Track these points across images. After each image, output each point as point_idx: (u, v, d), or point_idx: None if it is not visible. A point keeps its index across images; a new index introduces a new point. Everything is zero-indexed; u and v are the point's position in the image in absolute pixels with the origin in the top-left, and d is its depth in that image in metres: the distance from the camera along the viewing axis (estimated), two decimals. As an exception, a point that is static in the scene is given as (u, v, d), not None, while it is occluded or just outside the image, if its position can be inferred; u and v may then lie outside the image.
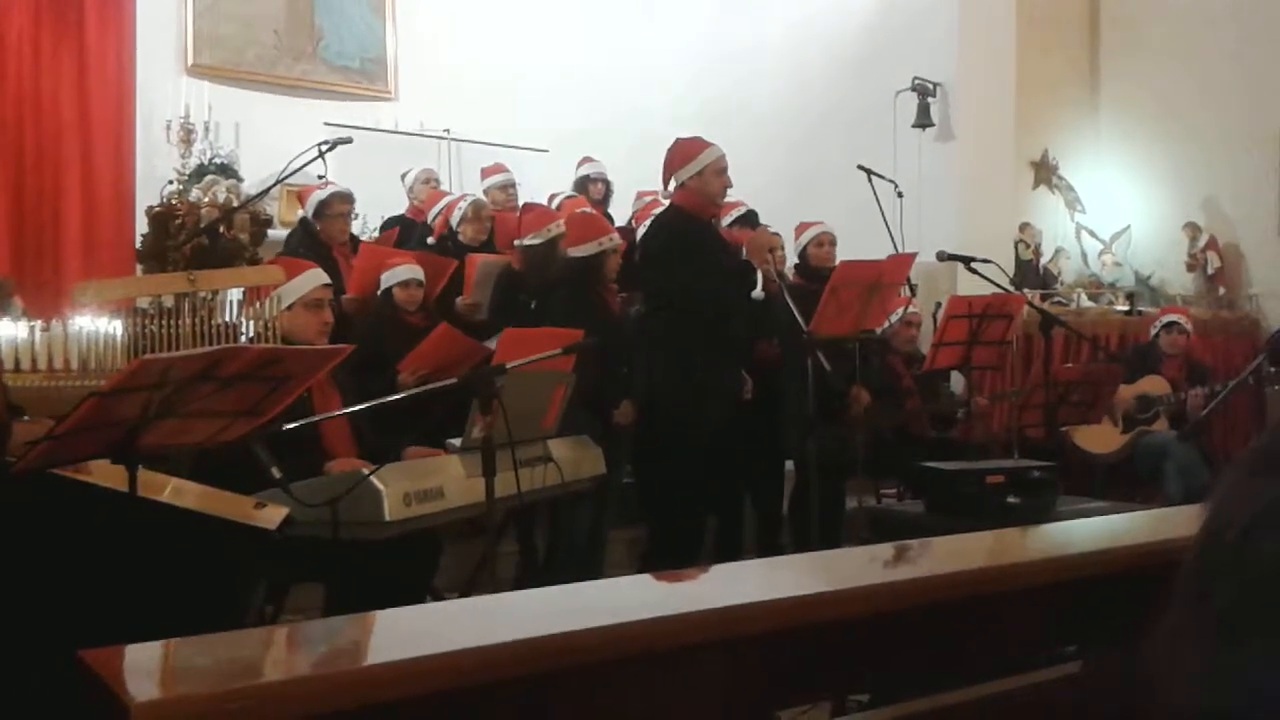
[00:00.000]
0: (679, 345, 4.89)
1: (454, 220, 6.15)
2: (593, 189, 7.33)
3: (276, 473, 3.09)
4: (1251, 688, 0.41)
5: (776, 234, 5.74)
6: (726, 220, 5.91)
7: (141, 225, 6.53)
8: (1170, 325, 6.57)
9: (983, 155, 8.06)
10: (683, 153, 5.03)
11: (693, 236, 4.98)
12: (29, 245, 7.46)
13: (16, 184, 7.43)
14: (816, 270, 5.72)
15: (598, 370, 4.62)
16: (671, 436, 4.93)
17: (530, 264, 5.51)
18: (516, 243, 5.66)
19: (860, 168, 5.75)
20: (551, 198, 7.06)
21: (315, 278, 4.11)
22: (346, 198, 5.92)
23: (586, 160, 7.59)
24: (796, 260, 6.03)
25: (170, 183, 7.09)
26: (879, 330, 5.62)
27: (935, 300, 6.82)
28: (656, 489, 5.18)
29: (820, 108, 8.70)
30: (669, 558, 4.77)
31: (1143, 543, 1.88)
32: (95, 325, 4.21)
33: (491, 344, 5.01)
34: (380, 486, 3.35)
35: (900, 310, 6.04)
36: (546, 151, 8.99)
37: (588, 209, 6.23)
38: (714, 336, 4.90)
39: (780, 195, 7.37)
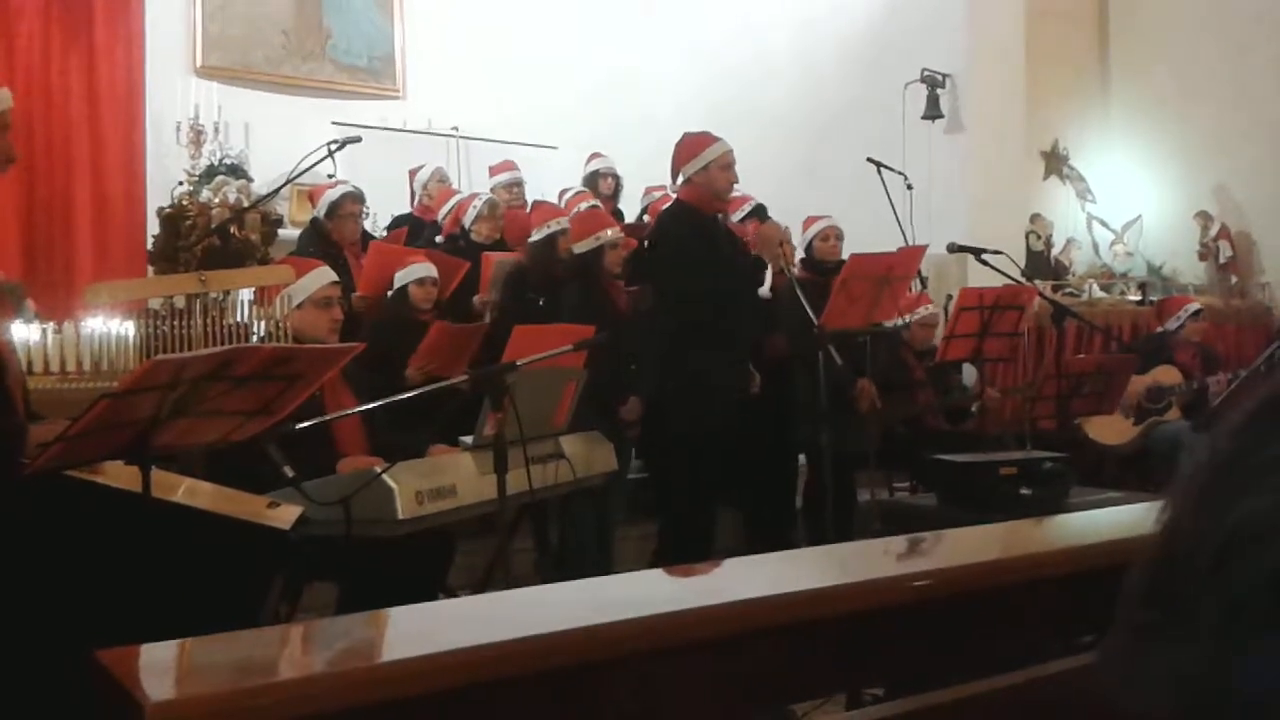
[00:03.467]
0: (686, 341, 4.88)
1: (467, 219, 6.15)
2: (602, 184, 7.33)
3: (289, 472, 3.09)
4: (1237, 694, 0.42)
5: (786, 227, 5.72)
6: (737, 216, 5.90)
7: (152, 226, 6.54)
8: (1197, 313, 6.52)
9: (993, 146, 8.03)
10: (689, 147, 5.00)
11: (699, 232, 4.96)
12: (40, 248, 7.49)
13: (28, 187, 7.46)
14: (822, 264, 5.71)
15: (605, 366, 4.62)
16: (679, 432, 4.93)
17: (532, 260, 5.54)
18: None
19: (870, 160, 5.74)
20: (561, 194, 7.06)
21: (323, 275, 4.12)
22: (358, 198, 5.93)
23: (596, 156, 7.58)
24: (802, 254, 6.02)
25: (180, 184, 7.10)
26: (894, 324, 5.60)
27: (946, 292, 6.80)
28: (666, 485, 5.18)
29: (829, 100, 8.69)
30: (680, 553, 4.77)
31: (1157, 533, 1.86)
32: (107, 327, 4.22)
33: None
34: (393, 485, 3.35)
35: (922, 309, 6.02)
36: (556, 148, 8.99)
37: (592, 203, 6.23)
38: (721, 331, 4.89)
39: (790, 188, 7.36)
